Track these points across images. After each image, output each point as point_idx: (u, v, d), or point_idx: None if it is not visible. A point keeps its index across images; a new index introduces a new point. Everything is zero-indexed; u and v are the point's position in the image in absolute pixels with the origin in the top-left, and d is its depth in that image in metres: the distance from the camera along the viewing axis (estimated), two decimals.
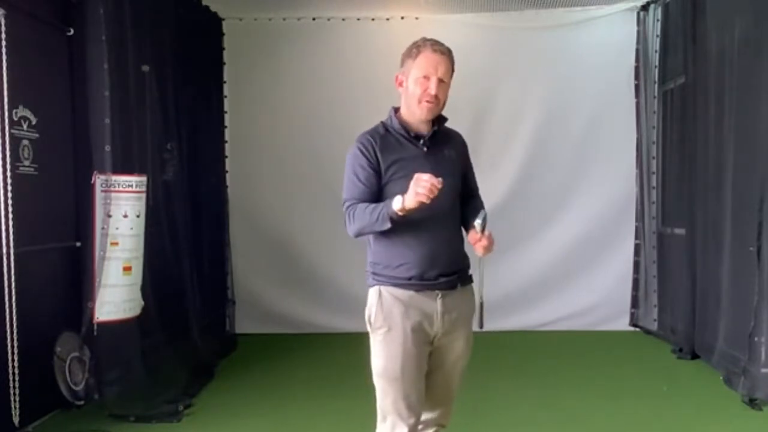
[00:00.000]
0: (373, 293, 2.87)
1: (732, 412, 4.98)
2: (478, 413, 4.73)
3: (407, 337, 2.79)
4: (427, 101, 2.82)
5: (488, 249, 2.79)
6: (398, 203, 2.64)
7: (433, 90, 2.81)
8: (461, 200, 2.98)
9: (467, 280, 2.93)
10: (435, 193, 2.57)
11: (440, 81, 2.83)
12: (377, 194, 2.81)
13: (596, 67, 7.75)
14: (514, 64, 7.85)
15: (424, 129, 2.88)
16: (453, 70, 2.90)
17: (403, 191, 2.65)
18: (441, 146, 2.90)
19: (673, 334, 6.99)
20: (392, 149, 2.83)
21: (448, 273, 2.83)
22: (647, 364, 6.55)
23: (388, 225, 2.69)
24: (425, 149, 2.85)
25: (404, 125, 2.87)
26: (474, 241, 2.80)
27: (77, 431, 4.72)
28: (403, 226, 2.72)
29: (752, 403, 5.01)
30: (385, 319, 2.81)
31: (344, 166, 2.86)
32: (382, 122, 2.94)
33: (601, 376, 6.15)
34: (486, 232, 2.76)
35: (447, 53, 2.86)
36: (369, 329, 2.89)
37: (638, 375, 6.17)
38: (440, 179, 2.60)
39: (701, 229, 6.39)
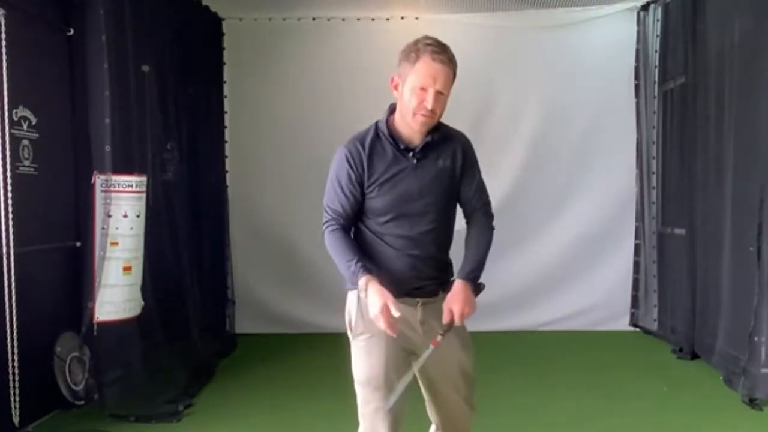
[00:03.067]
0: (351, 297, 2.77)
1: (732, 412, 4.98)
2: (477, 413, 4.72)
3: (389, 344, 2.67)
4: (423, 115, 2.63)
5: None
6: (363, 284, 2.57)
7: (429, 104, 2.62)
8: (464, 212, 2.85)
9: (449, 285, 2.75)
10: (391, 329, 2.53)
11: (438, 93, 2.63)
12: (359, 204, 2.72)
13: (596, 67, 7.75)
14: (514, 64, 7.85)
15: (416, 139, 2.71)
16: (454, 78, 2.69)
17: (385, 206, 2.64)
18: (433, 156, 2.72)
19: (673, 334, 6.99)
20: (380, 160, 2.68)
21: (429, 282, 2.75)
22: (647, 364, 6.55)
23: (351, 286, 2.67)
24: (415, 161, 2.69)
25: (395, 135, 2.71)
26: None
27: (77, 431, 4.72)
28: (385, 242, 2.68)
29: (752, 403, 5.01)
30: (367, 325, 2.68)
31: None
32: (376, 124, 2.77)
33: (601, 376, 6.15)
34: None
35: (448, 62, 2.64)
36: (349, 335, 2.79)
37: (638, 375, 6.17)
38: (394, 318, 2.50)
39: (701, 229, 6.39)
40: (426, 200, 2.71)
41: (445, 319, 2.63)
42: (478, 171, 2.85)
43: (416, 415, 2.96)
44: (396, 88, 2.70)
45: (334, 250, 2.70)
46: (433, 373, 2.78)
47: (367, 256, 2.69)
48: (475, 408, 2.93)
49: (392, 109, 2.78)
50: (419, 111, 2.64)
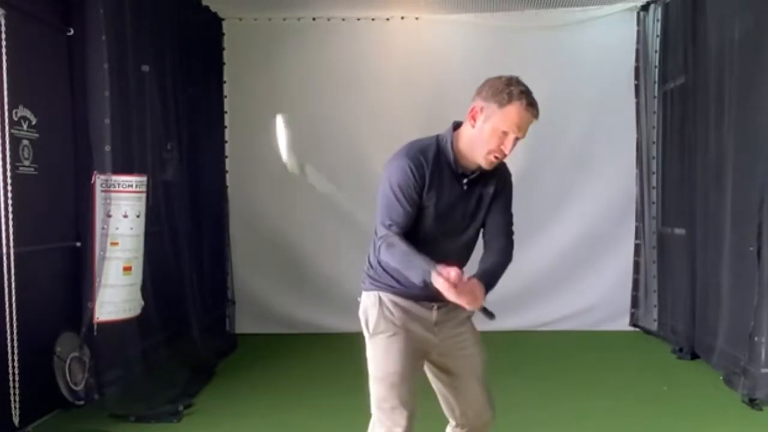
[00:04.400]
0: (370, 297, 2.83)
1: (732, 412, 4.98)
2: None
3: (408, 342, 2.77)
4: (496, 157, 2.65)
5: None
6: (433, 279, 2.51)
7: (508, 149, 2.64)
8: (489, 234, 2.85)
9: None
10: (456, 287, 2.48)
11: (517, 139, 2.64)
12: (415, 217, 2.70)
13: (596, 67, 7.75)
14: (514, 64, 7.75)
15: (472, 166, 2.73)
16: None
17: (428, 224, 2.66)
18: (481, 183, 2.76)
19: (673, 334, 6.99)
20: (438, 179, 2.67)
21: None
22: (647, 364, 6.56)
23: (421, 284, 2.60)
24: (465, 187, 2.72)
25: (457, 159, 2.70)
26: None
27: (77, 431, 4.72)
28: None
29: (752, 403, 5.01)
30: (387, 324, 2.78)
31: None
32: (437, 141, 2.71)
33: (601, 376, 6.15)
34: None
35: (537, 113, 2.63)
36: (366, 333, 2.84)
37: (638, 375, 6.17)
38: (455, 274, 2.47)
39: (701, 229, 6.39)
40: (466, 223, 2.80)
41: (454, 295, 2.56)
42: (511, 200, 2.93)
43: (429, 414, 2.97)
44: (474, 119, 2.65)
45: (401, 258, 2.62)
46: (456, 368, 2.85)
47: (386, 266, 2.75)
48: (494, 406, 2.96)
49: (455, 126, 2.75)
50: (495, 153, 2.65)
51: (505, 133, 2.62)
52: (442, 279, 2.47)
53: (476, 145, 2.66)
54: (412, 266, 2.60)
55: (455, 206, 2.73)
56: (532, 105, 2.61)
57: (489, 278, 2.68)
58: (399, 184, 2.65)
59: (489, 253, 2.83)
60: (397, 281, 2.76)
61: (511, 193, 2.92)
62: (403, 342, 2.76)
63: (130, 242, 5.20)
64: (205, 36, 7.60)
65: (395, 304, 2.79)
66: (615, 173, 7.78)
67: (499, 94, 2.61)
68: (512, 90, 2.60)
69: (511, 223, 2.93)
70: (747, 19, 5.58)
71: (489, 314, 2.57)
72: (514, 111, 2.60)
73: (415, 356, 2.80)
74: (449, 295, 2.50)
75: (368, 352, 2.84)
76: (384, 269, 2.80)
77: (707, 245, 6.27)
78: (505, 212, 2.89)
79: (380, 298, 2.79)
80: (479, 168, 2.72)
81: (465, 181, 2.72)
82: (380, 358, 2.79)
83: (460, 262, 2.75)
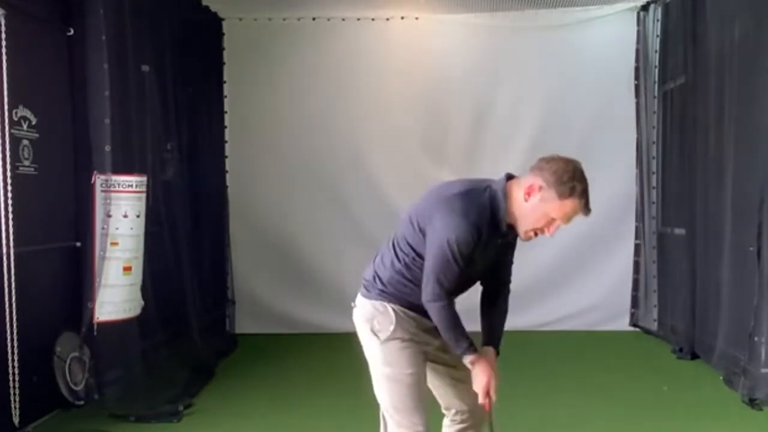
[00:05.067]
0: (377, 306, 2.86)
1: (732, 412, 4.98)
2: None
3: (418, 347, 2.86)
4: (536, 235, 2.73)
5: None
6: (471, 360, 2.76)
7: (550, 234, 2.72)
8: (487, 281, 2.98)
9: None
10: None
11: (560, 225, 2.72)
12: None
13: (596, 68, 7.76)
14: (514, 64, 7.85)
15: (512, 225, 2.78)
16: None
17: (470, 269, 2.72)
18: (508, 235, 2.83)
19: (673, 334, 6.99)
20: (487, 241, 2.71)
21: None
22: (647, 364, 6.56)
23: (459, 353, 2.78)
24: (500, 241, 2.79)
25: (505, 223, 2.73)
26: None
27: (77, 431, 4.72)
28: None
29: (752, 403, 5.01)
30: (403, 331, 2.84)
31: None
32: (489, 201, 2.69)
33: (601, 376, 6.16)
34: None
35: (590, 212, 2.73)
36: (374, 339, 2.86)
37: (638, 375, 6.17)
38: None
39: (701, 229, 6.39)
40: (489, 266, 2.88)
41: (484, 401, 2.81)
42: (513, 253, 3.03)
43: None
44: (530, 194, 2.67)
45: (448, 323, 2.76)
46: (456, 360, 2.90)
47: (413, 290, 2.80)
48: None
49: (508, 177, 2.77)
50: (536, 232, 2.73)
51: (554, 220, 2.69)
52: (482, 380, 2.76)
53: (523, 219, 2.71)
54: (452, 335, 2.76)
55: (490, 260, 2.83)
56: (587, 206, 2.69)
57: (500, 337, 2.96)
58: (460, 249, 2.65)
59: (498, 304, 3.00)
60: (407, 301, 2.83)
61: (516, 244, 2.99)
62: (415, 347, 2.86)
63: (130, 242, 5.20)
64: (205, 36, 7.60)
65: (406, 314, 2.85)
66: (615, 173, 7.77)
67: (562, 184, 2.63)
68: (576, 186, 2.65)
69: (511, 266, 3.07)
70: (747, 19, 5.59)
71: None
72: (571, 207, 2.66)
73: (423, 360, 2.90)
74: (478, 387, 2.78)
75: (377, 357, 2.86)
76: (396, 289, 2.84)
77: (707, 245, 6.27)
78: (511, 258, 3.02)
79: (393, 309, 2.85)
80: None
81: (504, 239, 2.79)
82: (396, 361, 2.83)
83: (469, 288, 2.91)
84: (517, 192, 2.69)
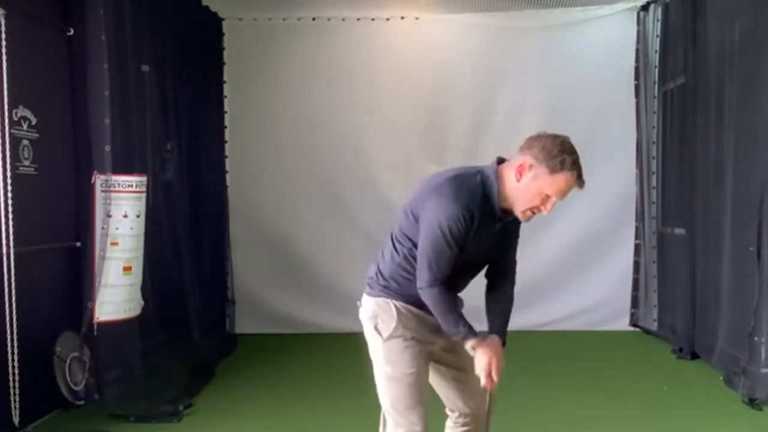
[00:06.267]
0: (380, 303, 2.86)
1: (732, 412, 4.98)
2: None
3: (421, 347, 2.84)
4: (534, 213, 2.70)
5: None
6: (472, 344, 2.72)
7: (548, 211, 2.68)
8: (491, 271, 2.97)
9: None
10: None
11: (556, 201, 2.68)
12: None
13: (596, 67, 7.75)
14: (514, 64, 7.85)
15: (509, 210, 2.75)
16: None
17: (460, 259, 2.70)
18: (509, 223, 2.82)
19: (673, 334, 6.99)
20: (481, 224, 2.68)
21: None
22: (647, 364, 6.55)
23: (459, 339, 2.75)
24: (498, 226, 2.77)
25: (500, 205, 2.71)
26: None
27: (77, 431, 4.72)
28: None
29: (752, 403, 5.01)
30: (405, 330, 2.82)
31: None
32: (482, 181, 2.69)
33: (601, 376, 6.15)
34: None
35: (584, 183, 2.66)
36: (377, 337, 2.85)
37: (638, 375, 6.17)
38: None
39: (701, 229, 6.39)
40: (490, 255, 2.87)
41: (487, 384, 2.78)
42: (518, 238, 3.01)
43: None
44: (521, 174, 2.65)
45: (443, 308, 2.74)
46: (461, 362, 2.90)
47: (404, 278, 2.80)
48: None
49: (499, 161, 2.77)
50: (533, 211, 2.69)
51: (548, 196, 2.65)
52: (483, 361, 2.72)
53: (518, 200, 2.69)
54: (449, 320, 2.74)
55: (488, 246, 2.79)
56: (580, 177, 2.64)
57: (506, 324, 2.95)
58: (452, 232, 2.64)
59: (504, 290, 2.99)
60: (410, 295, 2.80)
61: (519, 230, 2.97)
62: (418, 346, 2.83)
63: (130, 242, 5.20)
64: (205, 36, 7.60)
65: (409, 311, 2.84)
66: (615, 173, 7.77)
67: (551, 159, 2.61)
68: (565, 159, 2.61)
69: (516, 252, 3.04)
70: (747, 19, 5.58)
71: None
72: (563, 180, 2.62)
73: (425, 359, 2.87)
74: (479, 368, 2.74)
75: (380, 356, 2.85)
76: (397, 283, 2.84)
77: (707, 245, 6.27)
78: (515, 245, 3.00)
79: (395, 305, 2.83)
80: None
81: (500, 223, 2.77)
82: (396, 360, 2.82)
83: (470, 281, 2.90)
84: (509, 173, 2.69)
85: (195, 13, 7.25)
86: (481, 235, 2.70)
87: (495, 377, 2.76)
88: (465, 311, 2.82)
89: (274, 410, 5.26)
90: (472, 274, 2.90)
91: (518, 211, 2.71)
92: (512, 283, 3.02)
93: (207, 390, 5.69)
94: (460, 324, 2.73)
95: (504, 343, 2.86)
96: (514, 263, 3.02)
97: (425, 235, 2.69)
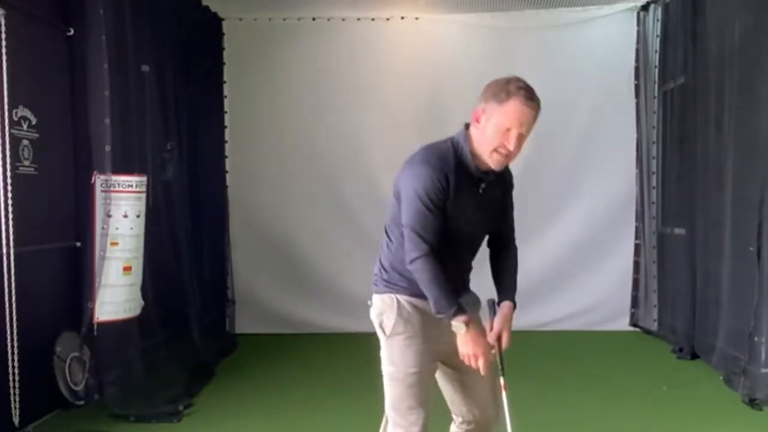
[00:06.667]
0: (385, 299, 2.85)
1: (732, 412, 4.98)
2: None
3: (425, 345, 2.80)
4: (500, 153, 2.69)
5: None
6: (459, 325, 2.70)
7: (511, 145, 2.66)
8: (491, 240, 2.99)
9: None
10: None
11: (520, 135, 2.67)
12: None
13: (596, 67, 7.76)
14: (514, 64, 7.76)
15: (485, 168, 2.76)
16: (536, 120, 2.70)
17: (448, 228, 2.71)
18: (492, 185, 2.82)
19: (673, 334, 6.99)
20: (459, 187, 2.70)
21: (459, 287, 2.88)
22: (647, 364, 6.55)
23: (447, 316, 2.72)
24: (481, 191, 2.78)
25: (474, 163, 2.74)
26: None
27: (77, 431, 4.72)
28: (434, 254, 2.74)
29: (752, 403, 5.01)
30: (406, 326, 2.80)
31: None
32: (454, 146, 2.74)
33: (601, 376, 6.15)
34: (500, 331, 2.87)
35: (536, 107, 2.66)
36: (382, 335, 2.85)
37: (638, 375, 6.17)
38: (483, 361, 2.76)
39: (701, 229, 6.39)
40: (481, 226, 2.88)
41: (494, 341, 2.86)
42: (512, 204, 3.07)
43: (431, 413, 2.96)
44: (477, 120, 2.71)
45: (430, 278, 2.70)
46: (466, 365, 2.86)
47: (403, 266, 2.77)
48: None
49: (467, 128, 2.79)
50: (499, 150, 2.69)
51: (508, 130, 2.65)
52: (468, 350, 2.73)
53: (483, 147, 2.71)
54: (437, 293, 2.70)
55: (475, 212, 2.78)
56: (531, 99, 2.64)
57: (515, 291, 3.00)
58: (429, 195, 2.66)
59: (506, 258, 3.01)
60: (411, 282, 2.78)
61: (512, 193, 3.07)
62: (421, 344, 2.80)
63: (130, 242, 5.20)
64: (205, 36, 7.60)
65: (412, 305, 2.82)
66: (615, 173, 7.78)
67: (497, 94, 2.66)
68: (510, 87, 2.65)
69: (513, 221, 3.08)
70: (747, 19, 5.58)
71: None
72: (513, 107, 2.63)
73: (430, 358, 2.84)
74: (464, 347, 2.73)
75: (384, 353, 2.85)
76: (398, 272, 2.83)
77: (707, 245, 6.27)
78: (511, 213, 3.05)
79: (398, 300, 2.82)
80: (491, 169, 2.76)
81: (482, 186, 2.78)
82: (398, 359, 2.81)
83: (470, 259, 2.92)
84: (473, 129, 2.74)
85: (195, 13, 7.25)
86: (463, 199, 2.72)
87: (505, 342, 2.90)
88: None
89: (273, 410, 5.26)
90: (468, 248, 2.88)
91: (487, 158, 2.71)
92: (514, 248, 3.04)
93: (207, 390, 5.69)
94: (449, 299, 2.69)
95: (515, 306, 2.95)
96: (511, 230, 3.04)
97: (406, 207, 2.72)
